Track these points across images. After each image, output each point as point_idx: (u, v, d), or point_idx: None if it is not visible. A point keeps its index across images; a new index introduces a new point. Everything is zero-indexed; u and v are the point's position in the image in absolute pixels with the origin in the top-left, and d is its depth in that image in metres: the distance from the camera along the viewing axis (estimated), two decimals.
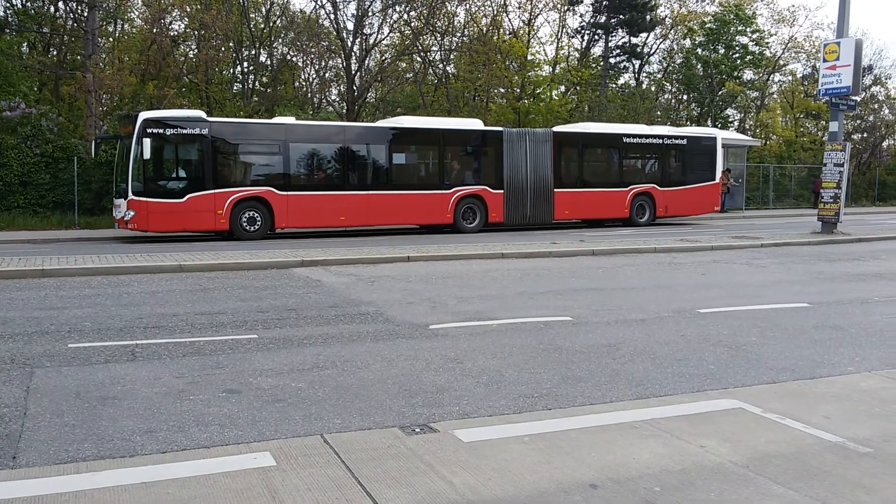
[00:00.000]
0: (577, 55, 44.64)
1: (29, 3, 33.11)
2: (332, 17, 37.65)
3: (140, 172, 18.26)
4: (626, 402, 5.35)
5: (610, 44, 44.95)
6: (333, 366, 6.25)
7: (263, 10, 38.18)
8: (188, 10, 35.47)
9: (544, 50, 43.10)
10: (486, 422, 4.87)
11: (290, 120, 21.35)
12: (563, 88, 42.34)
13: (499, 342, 7.27)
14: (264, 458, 4.10)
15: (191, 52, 36.96)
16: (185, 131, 18.61)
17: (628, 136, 25.00)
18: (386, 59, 40.21)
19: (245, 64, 38.23)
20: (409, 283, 11.22)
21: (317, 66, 41.51)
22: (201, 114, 19.44)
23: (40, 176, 22.97)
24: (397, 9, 37.54)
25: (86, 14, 29.94)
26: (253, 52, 37.35)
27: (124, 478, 3.83)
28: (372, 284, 11.10)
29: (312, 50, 39.05)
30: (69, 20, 33.33)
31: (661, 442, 4.39)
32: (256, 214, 19.23)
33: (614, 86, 45.99)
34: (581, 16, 44.43)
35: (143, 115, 18.59)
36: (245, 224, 19.11)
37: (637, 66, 47.09)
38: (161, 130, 18.29)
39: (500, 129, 23.57)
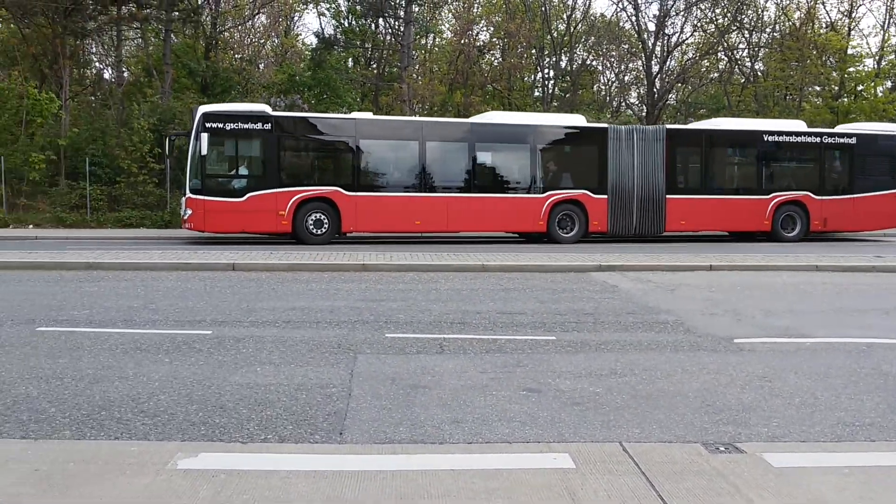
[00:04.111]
0: None
1: (354, 22, 36.63)
2: (634, 18, 37.29)
3: (198, 169, 17.55)
4: None
5: None
6: (632, 373, 6.18)
7: (565, 16, 38.78)
8: (494, 20, 37.07)
9: (867, 42, 39.10)
10: (799, 447, 4.53)
11: (362, 115, 19.98)
12: (889, 84, 38.05)
13: (812, 362, 6.72)
14: (564, 459, 4.15)
15: (495, 60, 38.57)
16: (246, 126, 17.73)
17: (771, 133, 21.30)
18: (688, 59, 38.92)
19: (546, 70, 39.10)
20: (711, 293, 10.77)
21: (616, 70, 41.34)
22: (265, 108, 18.61)
23: None
24: (701, 7, 36.22)
25: (402, 29, 32.49)
26: (553, 58, 38.09)
27: (434, 463, 4.09)
28: (672, 293, 10.80)
29: (612, 53, 38.97)
30: (388, 36, 36.34)
31: None
32: (323, 216, 17.99)
33: None
34: None
35: (203, 108, 17.98)
36: (311, 226, 17.96)
37: None
38: (221, 125, 17.50)
39: (605, 125, 21.06)
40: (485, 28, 38.77)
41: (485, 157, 19.94)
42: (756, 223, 21.05)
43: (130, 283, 11.18)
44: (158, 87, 29.29)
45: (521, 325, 8.16)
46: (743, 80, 39.09)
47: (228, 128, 17.65)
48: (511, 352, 6.89)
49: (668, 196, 20.30)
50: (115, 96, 31.75)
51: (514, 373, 6.14)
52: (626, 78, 41.62)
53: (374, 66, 37.49)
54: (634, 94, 42.57)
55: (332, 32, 36.61)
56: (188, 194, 17.75)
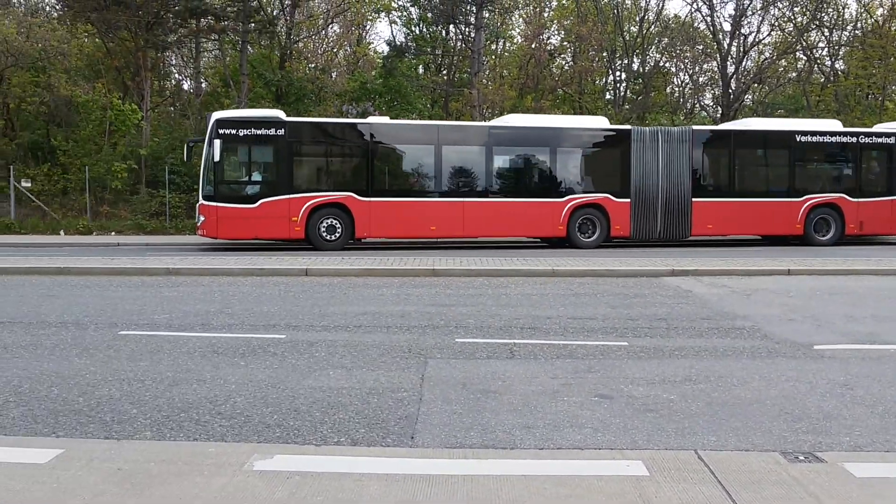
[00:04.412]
0: None
1: (425, 29, 36.92)
2: (709, 19, 36.59)
3: (211, 176, 17.51)
4: None
5: None
6: (707, 380, 6.05)
7: (637, 18, 38.27)
8: (565, 24, 36.83)
9: None
10: (883, 457, 4.37)
11: (376, 119, 19.83)
12: None
13: None
14: (637, 466, 4.10)
15: (566, 64, 38.30)
16: (259, 132, 17.60)
17: (804, 133, 20.32)
18: (765, 59, 37.97)
19: (617, 72, 38.63)
20: (788, 298, 10.47)
21: (690, 71, 40.55)
22: (279, 113, 18.37)
23: None
24: (779, 5, 35.28)
25: (473, 35, 32.57)
26: (626, 60, 37.60)
27: (506, 468, 4.09)
28: (748, 297, 10.54)
29: (686, 54, 38.26)
30: (458, 42, 36.47)
31: None
32: (336, 222, 17.85)
33: None
34: None
35: (216, 114, 17.88)
36: (324, 232, 17.82)
37: None
38: (234, 131, 17.40)
39: (627, 127, 20.38)
40: (556, 32, 38.58)
41: (503, 161, 19.64)
42: (787, 227, 20.26)
43: (208, 288, 11.49)
44: (235, 97, 30.04)
45: (592, 331, 8.08)
46: (823, 80, 37.91)
47: (241, 134, 17.62)
48: (582, 357, 6.83)
49: (694, 199, 19.74)
50: (193, 106, 32.71)
51: (585, 378, 6.08)
52: (701, 79, 40.79)
53: (445, 72, 37.64)
54: (709, 96, 41.69)
55: (404, 40, 37.00)
56: (201, 201, 17.89)
